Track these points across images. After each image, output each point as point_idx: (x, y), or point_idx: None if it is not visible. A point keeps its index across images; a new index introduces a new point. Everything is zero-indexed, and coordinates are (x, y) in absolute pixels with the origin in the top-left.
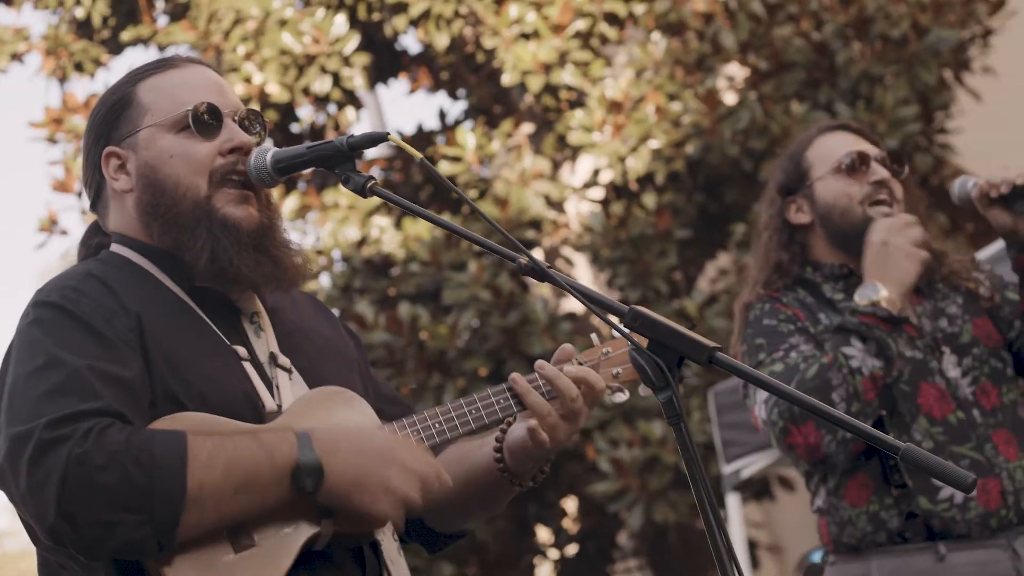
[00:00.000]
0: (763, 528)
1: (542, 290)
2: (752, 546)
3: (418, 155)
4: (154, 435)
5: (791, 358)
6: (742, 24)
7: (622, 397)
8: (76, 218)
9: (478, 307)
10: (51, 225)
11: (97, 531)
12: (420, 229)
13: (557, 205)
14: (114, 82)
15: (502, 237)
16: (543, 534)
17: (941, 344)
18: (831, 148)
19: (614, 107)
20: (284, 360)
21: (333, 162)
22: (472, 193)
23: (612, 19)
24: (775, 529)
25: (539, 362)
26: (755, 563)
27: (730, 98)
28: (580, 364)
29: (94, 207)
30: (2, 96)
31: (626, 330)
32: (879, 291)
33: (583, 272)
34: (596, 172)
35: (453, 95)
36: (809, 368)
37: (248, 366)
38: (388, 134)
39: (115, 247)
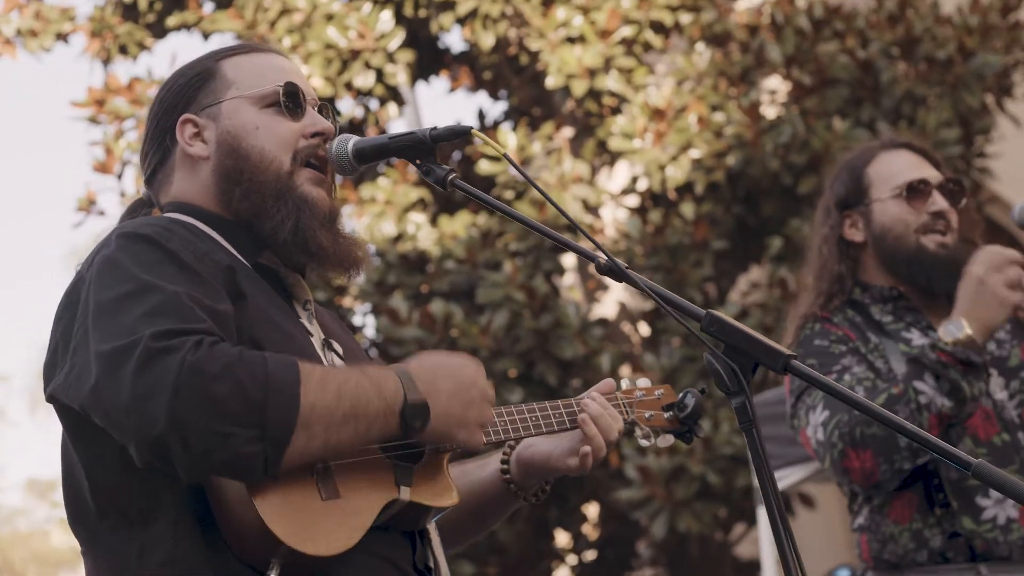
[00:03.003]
0: None
1: (574, 294)
2: None
3: (501, 151)
4: (265, 354)
5: (844, 380)
6: (788, 38)
7: (649, 442)
8: (114, 200)
9: (511, 307)
10: (89, 205)
11: (208, 442)
12: (456, 227)
13: (594, 210)
14: (191, 60)
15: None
16: (562, 538)
17: (988, 366)
18: (893, 169)
19: (656, 115)
20: (337, 346)
21: (415, 153)
22: (509, 194)
23: (658, 27)
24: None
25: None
26: None
27: (770, 111)
28: (622, 399)
29: (151, 179)
30: (45, 75)
31: (702, 334)
32: (963, 329)
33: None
34: (635, 179)
35: (494, 95)
36: (877, 396)
37: (314, 340)
38: (471, 128)
39: (176, 215)
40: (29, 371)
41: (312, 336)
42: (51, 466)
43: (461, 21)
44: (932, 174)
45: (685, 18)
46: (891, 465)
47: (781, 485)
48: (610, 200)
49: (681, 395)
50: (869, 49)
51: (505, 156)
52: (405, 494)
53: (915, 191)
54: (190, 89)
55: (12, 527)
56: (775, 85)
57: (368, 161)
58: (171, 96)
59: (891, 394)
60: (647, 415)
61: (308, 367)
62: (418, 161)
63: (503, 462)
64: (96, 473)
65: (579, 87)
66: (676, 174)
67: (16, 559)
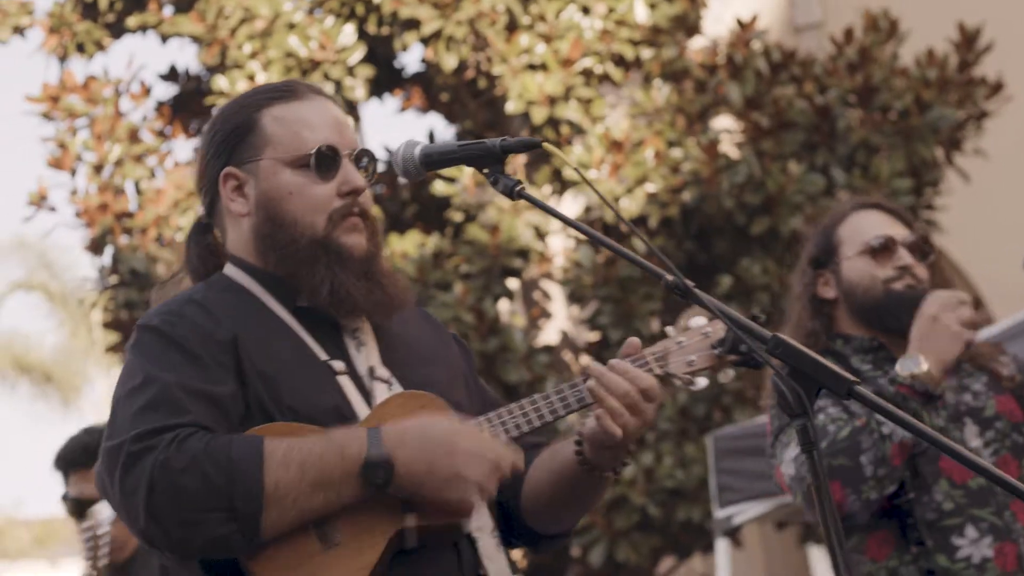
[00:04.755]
0: None
1: (517, 320)
2: None
3: (572, 164)
4: (232, 439)
5: (819, 419)
6: (748, 80)
7: (702, 383)
8: (65, 196)
9: (459, 329)
10: (40, 200)
11: (184, 531)
12: (407, 246)
13: (544, 237)
14: (234, 99)
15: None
16: None
17: (964, 416)
18: (861, 228)
19: (614, 146)
20: (383, 372)
21: (483, 162)
22: (460, 216)
23: (618, 60)
24: None
25: (589, 364)
26: None
27: (724, 151)
28: (650, 355)
29: (209, 214)
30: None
31: (768, 356)
32: (920, 364)
33: (559, 307)
34: (587, 210)
35: (449, 118)
36: (841, 429)
37: (344, 379)
38: (542, 142)
39: (228, 268)
40: None
41: (347, 373)
42: None
43: (424, 41)
44: (899, 232)
45: (646, 53)
46: (859, 496)
47: (743, 518)
48: (561, 229)
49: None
50: (827, 95)
51: (576, 170)
52: (411, 520)
53: (881, 248)
54: (231, 141)
55: None
56: (729, 125)
57: (435, 167)
58: (215, 144)
59: (855, 427)
60: (689, 360)
61: (272, 445)
62: (486, 170)
63: (577, 443)
64: None
65: (539, 114)
66: (630, 207)
67: None
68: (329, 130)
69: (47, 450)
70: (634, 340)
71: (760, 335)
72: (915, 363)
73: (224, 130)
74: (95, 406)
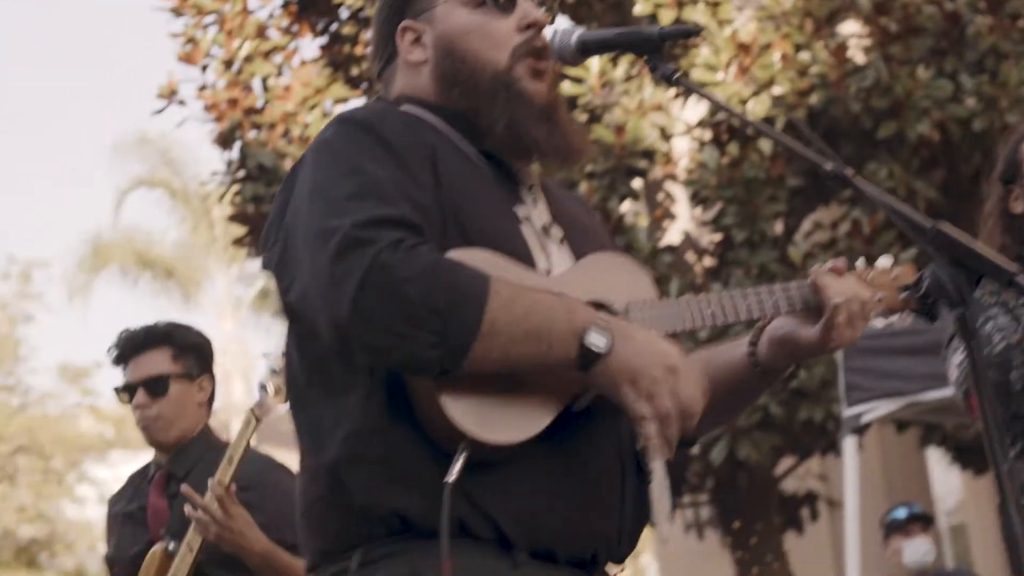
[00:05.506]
0: (826, 481)
1: (642, 221)
2: (813, 499)
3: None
4: (462, 266)
5: (986, 328)
6: None
7: (880, 322)
8: (193, 91)
9: None
10: (170, 94)
11: (387, 338)
12: None
13: (669, 138)
14: None
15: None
16: None
17: None
18: None
19: (741, 49)
20: (557, 231)
21: (640, 49)
22: (585, 116)
23: None
24: (836, 484)
25: (816, 268)
26: (814, 515)
27: (850, 54)
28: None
29: (379, 76)
30: None
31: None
32: None
33: (683, 208)
34: (714, 112)
35: (575, 19)
36: (997, 345)
37: (527, 228)
38: (701, 29)
39: (404, 107)
40: (70, 258)
41: (524, 222)
42: (84, 353)
43: None
44: None
45: None
46: (1007, 411)
47: (871, 416)
48: (686, 131)
49: (919, 275)
50: (956, 1)
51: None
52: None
53: None
54: None
55: (42, 409)
56: (857, 29)
57: (591, 54)
58: (388, 6)
59: (1009, 343)
60: (877, 296)
61: (500, 284)
62: (645, 57)
63: (751, 344)
64: (305, 343)
65: (666, 16)
66: (757, 109)
67: (44, 441)
68: None
69: None
70: (840, 260)
71: (919, 225)
72: None
73: None
74: (215, 302)
